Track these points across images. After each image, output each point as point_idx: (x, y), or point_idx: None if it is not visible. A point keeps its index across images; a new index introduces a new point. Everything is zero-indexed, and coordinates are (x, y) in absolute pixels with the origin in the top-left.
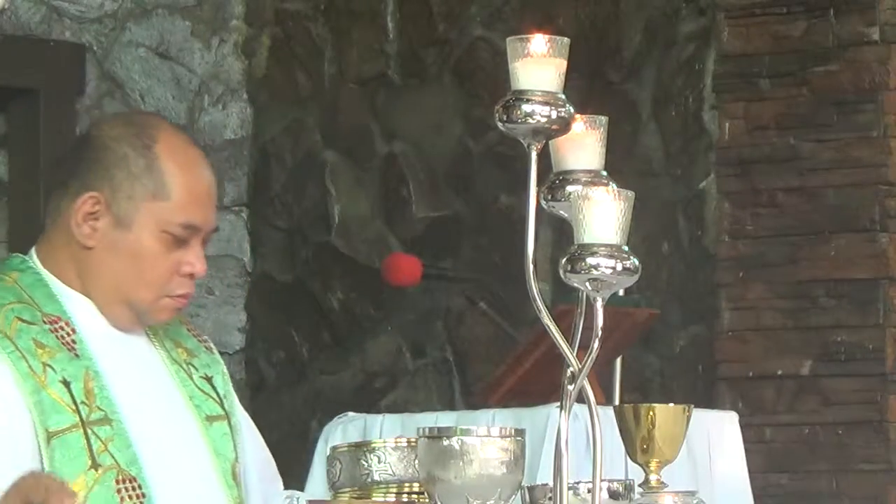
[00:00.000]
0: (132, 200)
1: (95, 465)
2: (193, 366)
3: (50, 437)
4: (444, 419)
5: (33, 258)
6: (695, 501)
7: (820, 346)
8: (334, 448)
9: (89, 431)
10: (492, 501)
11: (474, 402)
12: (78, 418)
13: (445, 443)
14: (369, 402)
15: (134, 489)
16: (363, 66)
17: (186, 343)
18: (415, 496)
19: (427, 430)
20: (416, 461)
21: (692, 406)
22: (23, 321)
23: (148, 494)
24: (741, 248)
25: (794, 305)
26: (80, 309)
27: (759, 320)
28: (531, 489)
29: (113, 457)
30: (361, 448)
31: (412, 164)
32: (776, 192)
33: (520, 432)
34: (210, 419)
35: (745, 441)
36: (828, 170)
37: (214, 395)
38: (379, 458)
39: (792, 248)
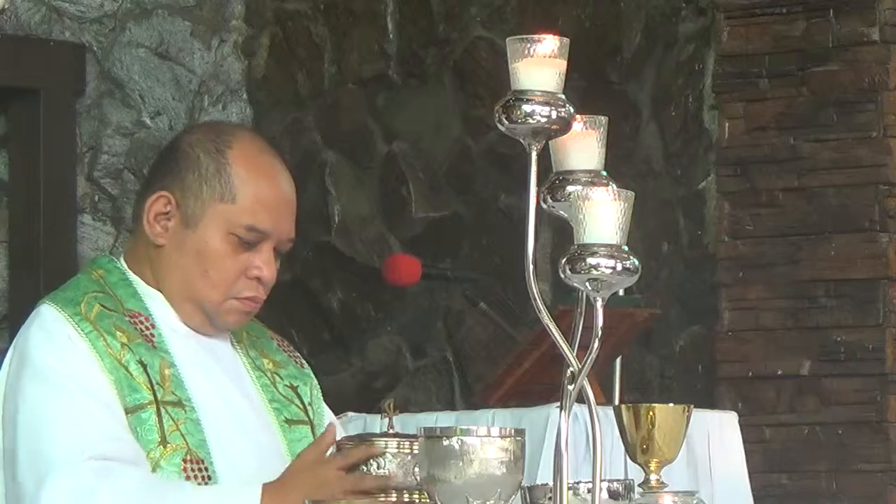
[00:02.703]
0: (200, 201)
1: (164, 443)
2: (279, 375)
3: (127, 412)
4: (444, 419)
5: (120, 259)
6: (695, 501)
7: (820, 346)
8: (339, 443)
9: (162, 410)
10: (492, 501)
11: (474, 402)
12: (153, 397)
13: (445, 443)
14: (369, 402)
15: (200, 470)
16: (363, 66)
17: (274, 356)
18: (416, 498)
19: (427, 430)
20: (416, 468)
21: (692, 406)
22: (105, 308)
23: (213, 477)
24: (741, 248)
25: (794, 305)
26: (160, 308)
27: (759, 320)
28: (531, 489)
29: (183, 437)
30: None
31: (412, 164)
32: (776, 192)
33: (520, 432)
34: (290, 422)
35: (745, 441)
36: (828, 170)
37: (298, 402)
38: (379, 464)
39: (792, 248)
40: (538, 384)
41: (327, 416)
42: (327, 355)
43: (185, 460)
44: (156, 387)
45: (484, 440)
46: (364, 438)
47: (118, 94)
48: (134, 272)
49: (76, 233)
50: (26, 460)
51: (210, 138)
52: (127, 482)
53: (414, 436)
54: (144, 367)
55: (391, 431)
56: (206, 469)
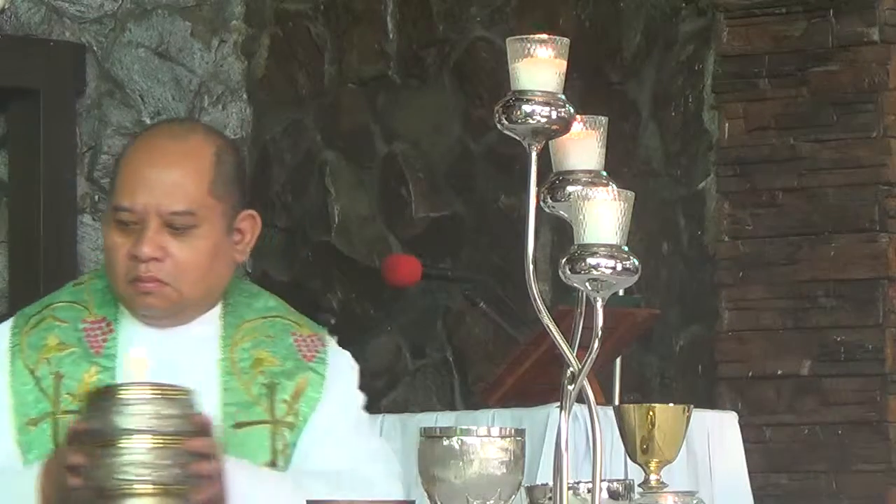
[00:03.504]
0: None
1: None
2: (264, 373)
3: (29, 423)
4: (444, 419)
5: None
6: (695, 501)
7: (820, 346)
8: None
9: (60, 420)
10: (492, 501)
11: (474, 402)
12: (54, 407)
13: (445, 443)
14: (369, 402)
15: None
16: (363, 66)
17: (276, 352)
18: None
19: (427, 430)
20: (160, 411)
21: (692, 406)
22: (56, 319)
23: None
24: (741, 248)
25: (793, 305)
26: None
27: (758, 320)
28: (531, 489)
29: None
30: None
31: (412, 164)
32: (776, 192)
33: (520, 432)
34: (239, 425)
35: (745, 441)
36: (828, 170)
37: (266, 403)
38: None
39: (792, 248)
40: (538, 384)
41: (320, 416)
42: None
43: None
44: (64, 397)
45: (484, 440)
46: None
47: (118, 94)
48: None
49: (76, 233)
50: None
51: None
52: None
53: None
54: (59, 378)
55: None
56: None
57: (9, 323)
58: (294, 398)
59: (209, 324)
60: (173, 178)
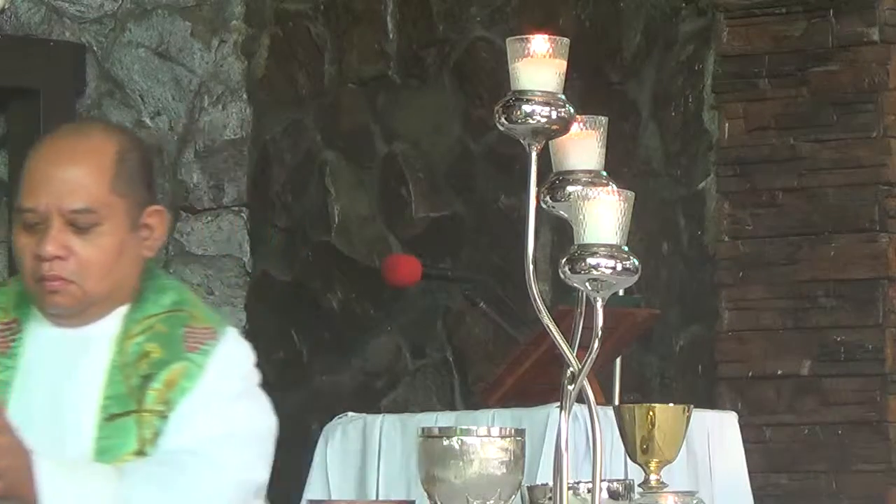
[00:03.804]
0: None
1: None
2: (146, 365)
3: None
4: (444, 419)
5: None
6: (695, 501)
7: (820, 346)
8: None
9: None
10: (492, 501)
11: (474, 402)
12: None
13: (445, 443)
14: (369, 403)
15: None
16: (363, 66)
17: (164, 344)
18: None
19: (427, 430)
20: None
21: (692, 406)
22: None
23: None
24: (741, 248)
25: (793, 305)
26: (38, 314)
27: (758, 320)
28: (531, 489)
29: None
30: None
31: (412, 164)
32: (776, 192)
33: (520, 432)
34: (113, 417)
35: (745, 441)
36: (828, 170)
37: (139, 392)
38: None
39: (792, 248)
40: (538, 384)
41: (189, 400)
42: (327, 355)
43: None
44: None
45: (484, 440)
46: None
47: (118, 94)
48: None
49: None
50: None
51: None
52: None
53: None
54: None
55: None
56: None
57: None
58: (167, 387)
59: (111, 321)
60: (73, 177)
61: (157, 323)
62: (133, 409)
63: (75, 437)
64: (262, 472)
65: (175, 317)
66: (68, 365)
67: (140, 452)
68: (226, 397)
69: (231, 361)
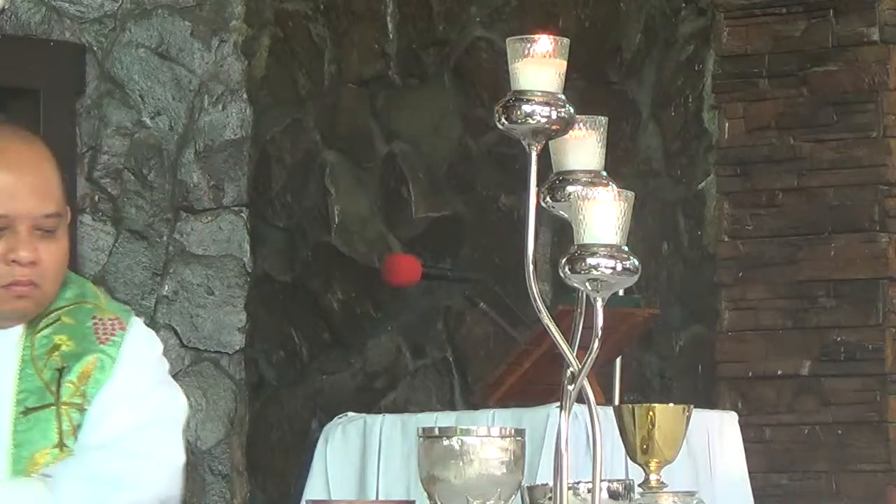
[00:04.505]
0: None
1: None
2: (60, 357)
3: None
4: (444, 419)
5: None
6: (695, 501)
7: (820, 346)
8: None
9: None
10: (492, 501)
11: (474, 402)
12: None
13: (445, 443)
14: (369, 402)
15: None
16: (363, 66)
17: (73, 335)
18: None
19: (427, 430)
20: None
21: (692, 406)
22: None
23: None
24: (741, 248)
25: (794, 305)
26: None
27: (759, 320)
28: (531, 489)
29: None
30: None
31: (412, 164)
32: (776, 192)
33: (520, 432)
34: (28, 411)
35: (745, 441)
36: (828, 170)
37: (54, 386)
38: None
39: (792, 248)
40: (538, 384)
41: (109, 387)
42: (327, 355)
43: None
44: None
45: (484, 440)
46: None
47: (118, 94)
48: None
49: (76, 233)
50: None
51: None
52: None
53: None
54: None
55: None
56: None
57: None
58: (81, 379)
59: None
60: (40, 182)
61: (62, 315)
62: (50, 402)
63: None
64: (184, 455)
65: (80, 309)
66: None
67: (60, 445)
68: (143, 386)
69: (142, 350)
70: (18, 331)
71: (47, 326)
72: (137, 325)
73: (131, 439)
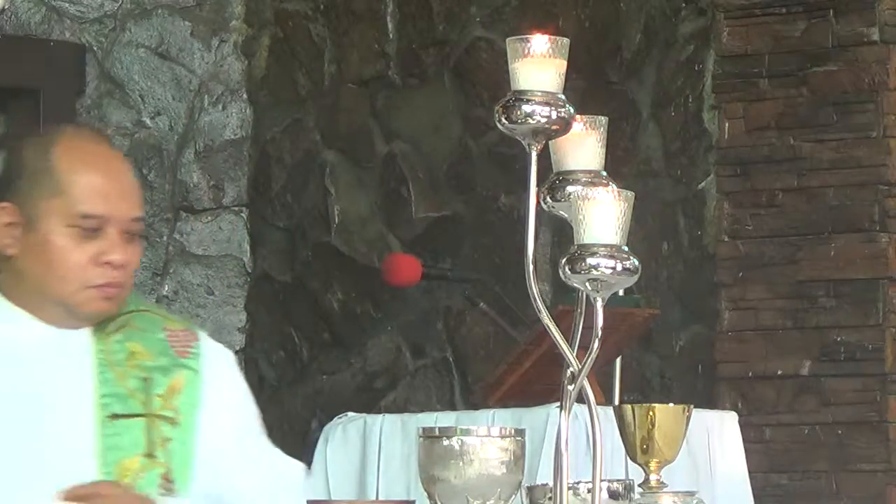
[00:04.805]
0: (35, 203)
1: None
2: (139, 366)
3: None
4: (444, 419)
5: None
6: (695, 501)
7: (820, 346)
8: None
9: None
10: (492, 501)
11: (474, 402)
12: None
13: (445, 443)
14: (369, 402)
15: None
16: (363, 66)
17: (149, 346)
18: None
19: (427, 430)
20: None
21: (692, 406)
22: None
23: None
24: (741, 248)
25: (794, 305)
26: (3, 318)
27: (758, 320)
28: (531, 489)
29: None
30: None
31: (412, 164)
32: (776, 192)
33: (520, 432)
34: (115, 416)
35: (745, 441)
36: (828, 170)
37: (141, 395)
38: None
39: (792, 248)
40: (538, 384)
41: (198, 411)
42: (327, 355)
43: None
44: None
45: (484, 440)
46: None
47: (118, 94)
48: (1, 291)
49: None
50: None
51: (35, 141)
52: None
53: None
54: None
55: None
56: None
57: None
58: (170, 394)
59: None
60: (130, 186)
61: (129, 320)
62: (139, 412)
63: (72, 432)
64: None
65: (145, 316)
66: (48, 366)
67: (149, 455)
68: (244, 409)
69: (223, 365)
70: (87, 332)
71: (116, 331)
72: (207, 338)
73: (266, 474)
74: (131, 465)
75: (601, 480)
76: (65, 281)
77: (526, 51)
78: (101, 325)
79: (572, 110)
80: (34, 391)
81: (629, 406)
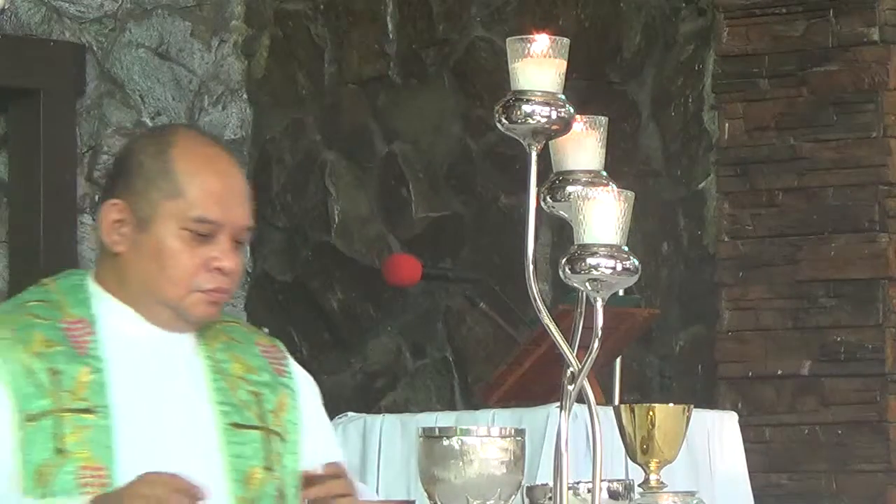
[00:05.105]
0: (149, 203)
1: (61, 451)
2: (245, 380)
3: (27, 420)
4: (444, 419)
5: (90, 272)
6: (695, 501)
7: (820, 346)
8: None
9: (65, 417)
10: (492, 501)
11: (474, 402)
12: (55, 404)
13: (445, 443)
14: (369, 402)
15: (99, 477)
16: (363, 66)
17: (250, 361)
18: None
19: (427, 430)
20: None
21: (692, 406)
22: (34, 316)
23: (112, 483)
24: (741, 248)
25: (794, 305)
26: (112, 314)
27: (759, 320)
28: (531, 489)
29: (86, 444)
30: None
31: (412, 164)
32: (776, 192)
33: (520, 432)
34: (238, 426)
35: (745, 441)
36: (828, 170)
37: (256, 408)
38: None
39: (792, 248)
40: (538, 384)
41: (302, 429)
42: (327, 355)
43: (83, 467)
44: (63, 394)
45: (484, 440)
46: None
47: (118, 94)
48: (98, 282)
49: (76, 233)
50: None
51: (152, 141)
52: None
53: None
54: (55, 374)
55: None
56: (106, 476)
57: None
58: (279, 411)
59: None
60: (244, 193)
61: (222, 331)
62: (256, 424)
63: (195, 434)
64: None
65: (235, 329)
66: (160, 368)
67: (267, 468)
68: (330, 435)
69: (309, 388)
70: (192, 337)
71: (216, 341)
72: (289, 355)
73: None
74: (256, 475)
75: (601, 480)
76: (175, 283)
77: (526, 51)
78: (200, 331)
79: (572, 110)
80: (154, 387)
81: (629, 406)
